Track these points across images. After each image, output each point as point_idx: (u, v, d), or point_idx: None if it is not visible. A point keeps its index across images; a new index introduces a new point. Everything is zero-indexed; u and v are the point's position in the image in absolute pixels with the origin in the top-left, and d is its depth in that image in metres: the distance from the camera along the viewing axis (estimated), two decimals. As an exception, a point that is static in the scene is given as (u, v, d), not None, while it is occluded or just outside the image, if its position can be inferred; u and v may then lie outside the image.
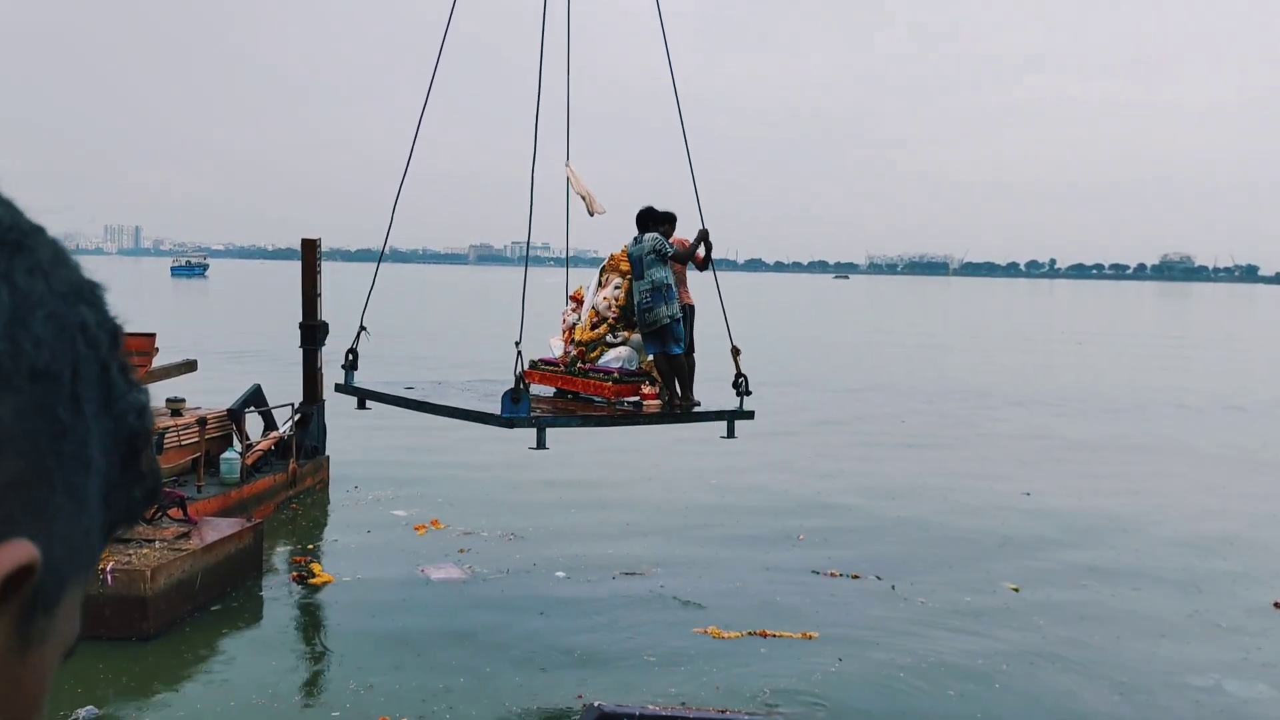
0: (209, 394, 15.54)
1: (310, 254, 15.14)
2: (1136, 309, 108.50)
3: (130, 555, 9.27)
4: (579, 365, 10.03)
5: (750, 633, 9.47)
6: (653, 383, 9.66)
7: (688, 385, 9.49)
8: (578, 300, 10.61)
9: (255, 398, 14.60)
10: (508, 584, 10.88)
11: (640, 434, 14.10)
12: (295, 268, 15.77)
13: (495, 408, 8.70)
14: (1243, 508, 15.18)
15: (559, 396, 10.23)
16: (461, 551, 11.87)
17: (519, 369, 8.72)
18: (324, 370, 14.98)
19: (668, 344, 9.31)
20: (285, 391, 15.17)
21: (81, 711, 7.53)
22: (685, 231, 9.75)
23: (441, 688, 8.20)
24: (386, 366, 20.66)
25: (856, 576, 11.32)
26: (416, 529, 12.78)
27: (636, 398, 9.65)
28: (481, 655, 8.88)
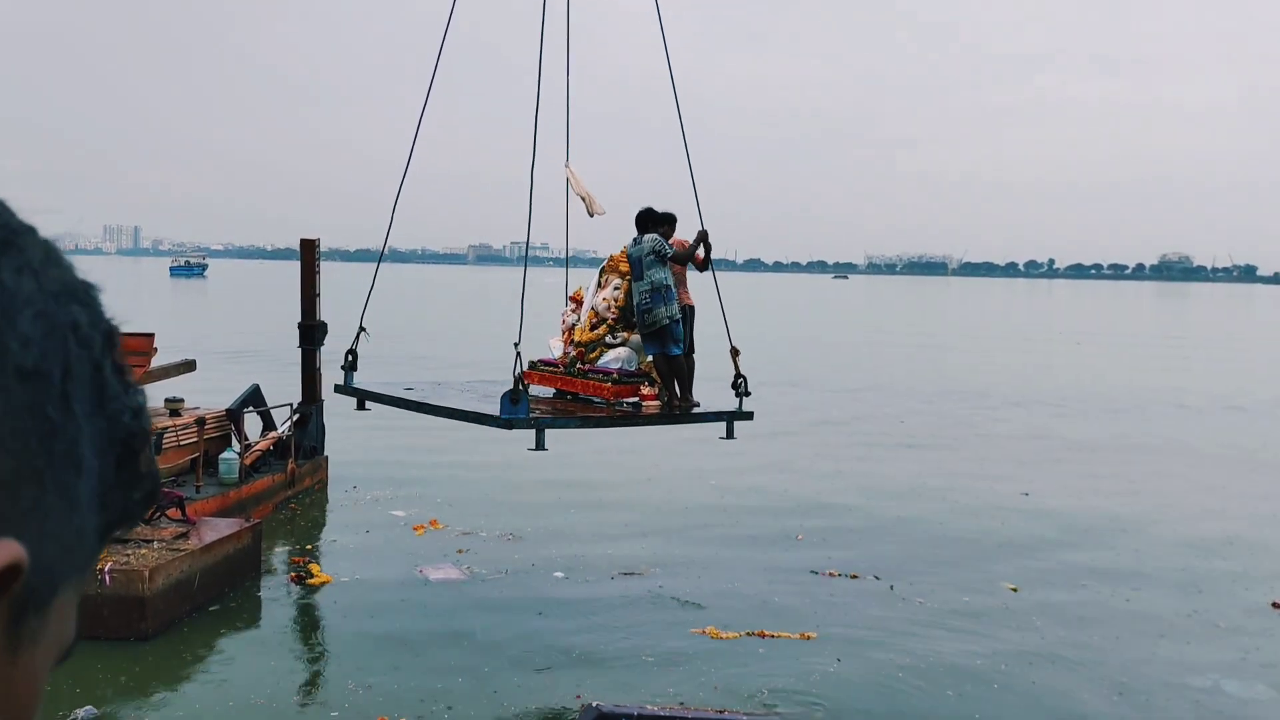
0: (207, 394, 15.53)
1: (309, 254, 15.14)
2: (1135, 309, 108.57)
3: (129, 555, 9.27)
4: (578, 366, 10.03)
5: (749, 633, 9.46)
6: (652, 384, 9.66)
7: (687, 386, 9.49)
8: (577, 301, 10.61)
9: (254, 398, 14.59)
10: (506, 584, 10.87)
11: (639, 435, 14.10)
12: (294, 268, 15.76)
13: (494, 409, 8.70)
14: (1242, 508, 15.18)
15: (558, 397, 10.22)
16: (460, 552, 11.86)
17: (518, 370, 8.72)
18: (322, 370, 14.98)
19: (667, 345, 9.31)
20: (284, 392, 15.16)
21: (80, 712, 7.52)
22: (685, 232, 9.75)
23: (440, 688, 8.19)
24: (386, 367, 20.65)
25: (855, 576, 11.32)
26: (415, 529, 12.78)
27: (636, 399, 9.65)
28: (480, 655, 8.88)
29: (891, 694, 8.33)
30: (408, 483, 15.08)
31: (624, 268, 9.86)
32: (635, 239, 9.52)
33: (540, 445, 8.57)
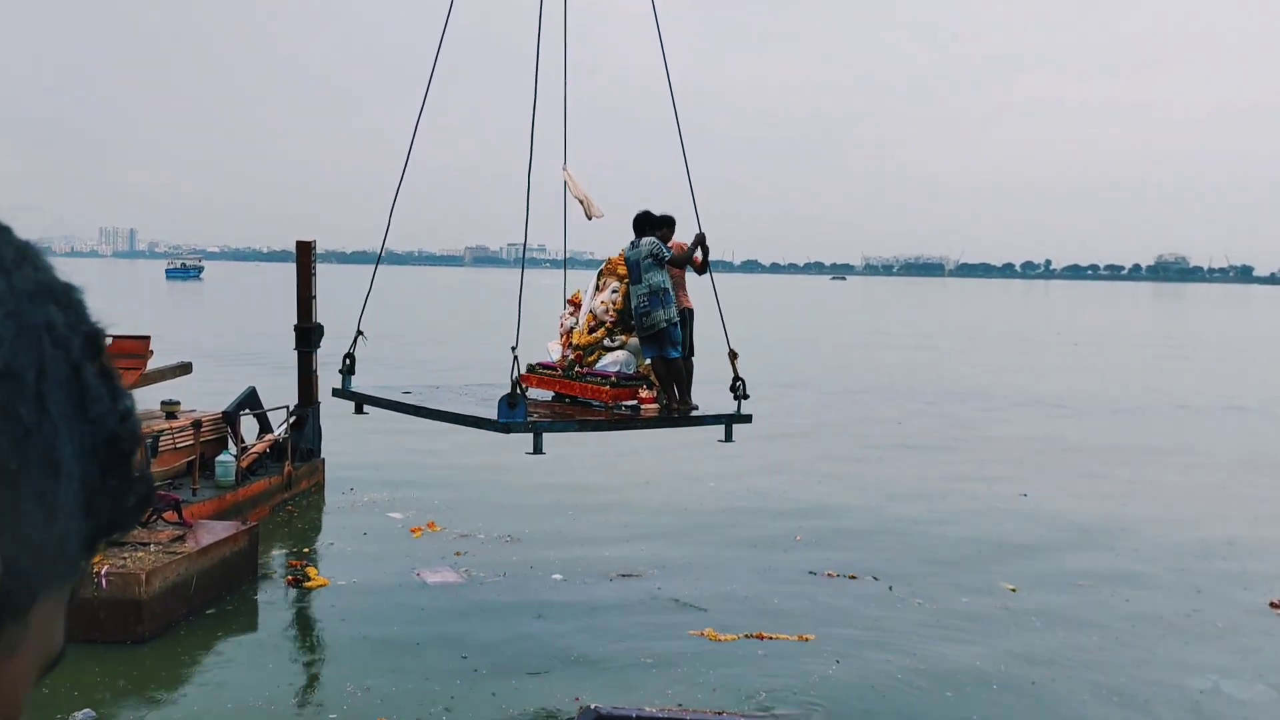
0: (204, 396, 15.50)
1: (305, 256, 15.11)
2: (1132, 310, 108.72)
3: (125, 558, 9.24)
4: (576, 369, 10.02)
5: (747, 635, 9.45)
6: (650, 387, 9.65)
7: (685, 389, 9.48)
8: (575, 304, 10.60)
9: (250, 400, 14.57)
10: (504, 586, 10.86)
11: (638, 438, 14.09)
12: (290, 270, 15.73)
13: (492, 412, 8.68)
14: (1240, 508, 15.20)
15: (557, 400, 10.21)
16: (458, 554, 11.84)
17: (515, 374, 8.70)
18: (319, 372, 14.95)
19: (665, 348, 9.30)
20: (280, 394, 15.13)
21: (79, 714, 7.50)
22: (683, 234, 9.75)
23: (438, 690, 8.18)
24: (384, 370, 20.63)
25: (853, 577, 11.32)
26: (412, 531, 12.75)
27: (634, 401, 9.64)
28: (478, 657, 8.86)
29: (890, 695, 8.32)
30: (405, 485, 15.06)
31: (622, 271, 9.85)
32: (633, 242, 9.51)
33: (538, 449, 8.56)
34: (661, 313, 9.20)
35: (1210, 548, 12.89)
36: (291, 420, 14.52)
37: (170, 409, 13.61)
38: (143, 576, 8.98)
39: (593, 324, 10.08)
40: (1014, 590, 11.02)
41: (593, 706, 7.29)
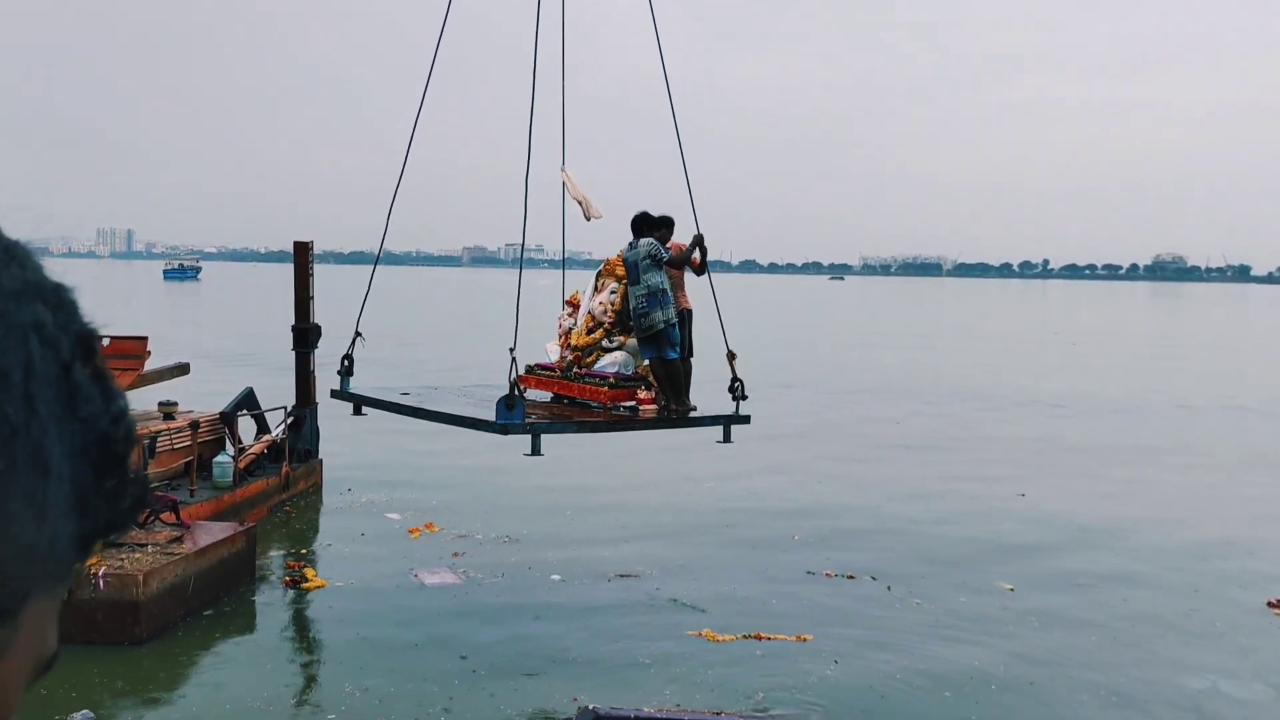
0: (201, 397, 15.48)
1: (302, 256, 15.10)
2: (1130, 309, 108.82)
3: (123, 559, 9.23)
4: (575, 370, 10.01)
5: (745, 635, 9.45)
6: (649, 387, 9.65)
7: (684, 390, 9.48)
8: (574, 305, 10.59)
9: (248, 401, 14.56)
10: (502, 587, 10.85)
11: (636, 439, 14.08)
12: (288, 270, 15.72)
13: (490, 414, 8.68)
14: (1238, 508, 15.21)
15: (555, 401, 10.21)
16: (456, 555, 11.84)
17: (513, 375, 8.70)
18: (317, 373, 14.95)
19: (663, 349, 9.30)
20: (278, 395, 15.12)
21: (77, 715, 7.49)
22: (682, 235, 9.75)
23: (436, 691, 8.17)
24: (382, 370, 20.62)
25: (851, 577, 11.32)
26: (410, 532, 12.74)
27: (632, 402, 9.64)
28: (476, 658, 8.86)
29: (888, 696, 8.32)
30: (403, 486, 15.05)
31: (620, 271, 9.85)
32: (631, 243, 9.51)
33: (536, 451, 8.55)
34: (659, 314, 9.20)
35: (1208, 547, 12.91)
36: (289, 421, 14.51)
37: (168, 410, 13.60)
38: (140, 578, 8.97)
39: (591, 325, 10.08)
40: (1012, 590, 11.03)
41: (591, 707, 7.29)
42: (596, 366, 9.93)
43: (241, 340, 38.65)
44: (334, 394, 10.35)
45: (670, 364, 9.36)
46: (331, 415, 13.51)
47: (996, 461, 18.47)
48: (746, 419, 9.55)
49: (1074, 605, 10.60)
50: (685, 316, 9.62)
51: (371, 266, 10.73)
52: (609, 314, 9.99)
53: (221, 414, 13.89)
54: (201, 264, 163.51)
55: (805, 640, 9.37)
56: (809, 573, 11.48)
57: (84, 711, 7.57)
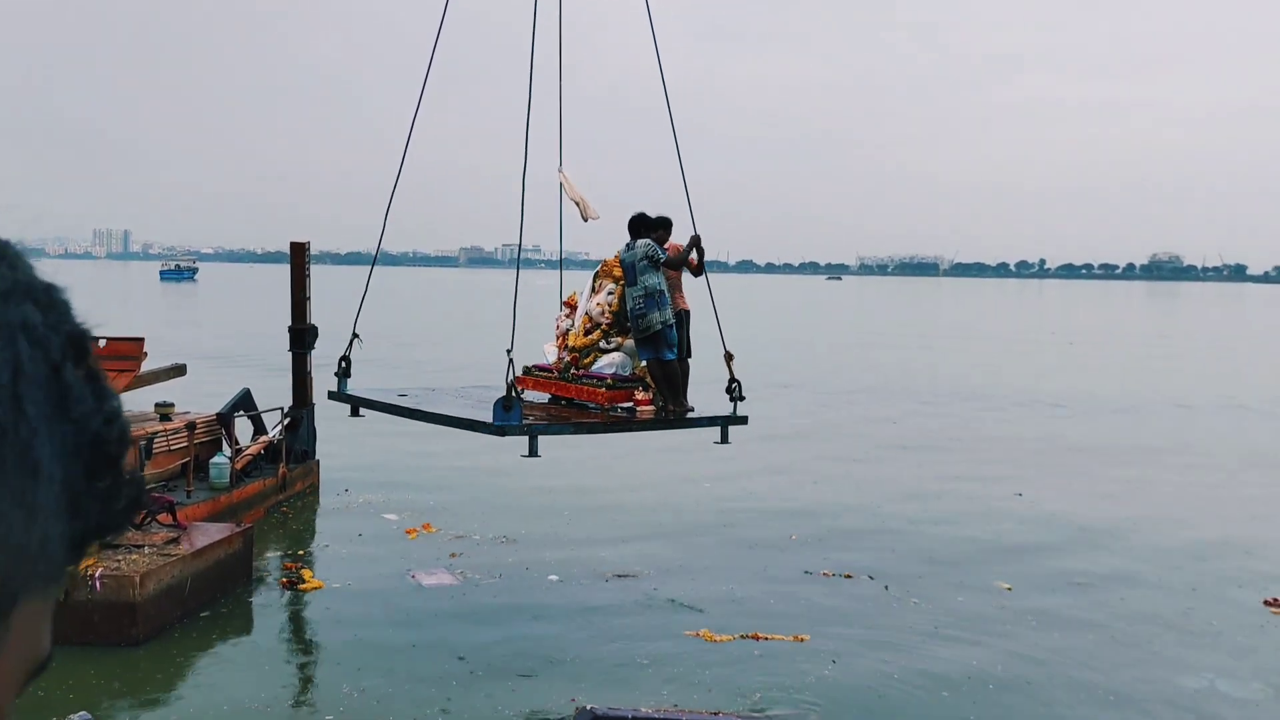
0: (198, 398, 15.47)
1: (299, 257, 15.10)
2: (1126, 309, 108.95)
3: (119, 561, 9.22)
4: (572, 371, 10.01)
5: (743, 635, 9.45)
6: (646, 388, 9.64)
7: (681, 391, 9.47)
8: (571, 306, 10.59)
9: (244, 402, 14.54)
10: (499, 588, 10.85)
11: (634, 439, 14.08)
12: (285, 271, 15.71)
13: (488, 415, 8.66)
14: (1235, 507, 15.23)
15: (553, 403, 10.20)
16: (453, 556, 11.83)
17: (510, 377, 8.69)
18: (313, 374, 14.94)
19: (661, 349, 9.30)
20: (275, 395, 15.11)
21: (75, 717, 7.48)
22: (680, 236, 9.75)
23: (434, 692, 8.17)
24: (380, 371, 20.60)
25: (849, 576, 11.33)
26: (408, 533, 12.74)
27: (630, 403, 9.63)
28: (473, 659, 8.85)
29: (886, 696, 8.33)
30: (400, 486, 15.05)
31: (618, 273, 9.85)
32: (628, 244, 9.51)
33: (533, 452, 8.55)
34: (657, 315, 9.20)
35: (1205, 547, 12.92)
36: (286, 422, 14.50)
37: (164, 411, 13.59)
38: (137, 579, 8.96)
39: (588, 326, 10.07)
40: (1009, 589, 11.03)
41: (589, 707, 7.29)
42: (594, 367, 9.93)
43: (238, 341, 38.61)
44: (331, 395, 10.34)
45: (668, 365, 9.36)
46: (328, 416, 13.50)
47: (994, 461, 18.48)
48: (744, 420, 9.55)
49: (1072, 605, 10.61)
50: (683, 317, 9.61)
51: (368, 267, 10.73)
52: (606, 315, 9.98)
53: (218, 415, 13.88)
54: (198, 265, 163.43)
55: (803, 640, 9.37)
56: (806, 573, 11.49)
57: (81, 713, 7.55)
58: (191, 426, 12.88)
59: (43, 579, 0.51)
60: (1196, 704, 8.31)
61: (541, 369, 10.44)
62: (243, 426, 14.52)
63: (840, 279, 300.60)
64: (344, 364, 9.99)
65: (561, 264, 11.57)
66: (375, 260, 10.82)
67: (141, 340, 14.07)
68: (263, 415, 14.82)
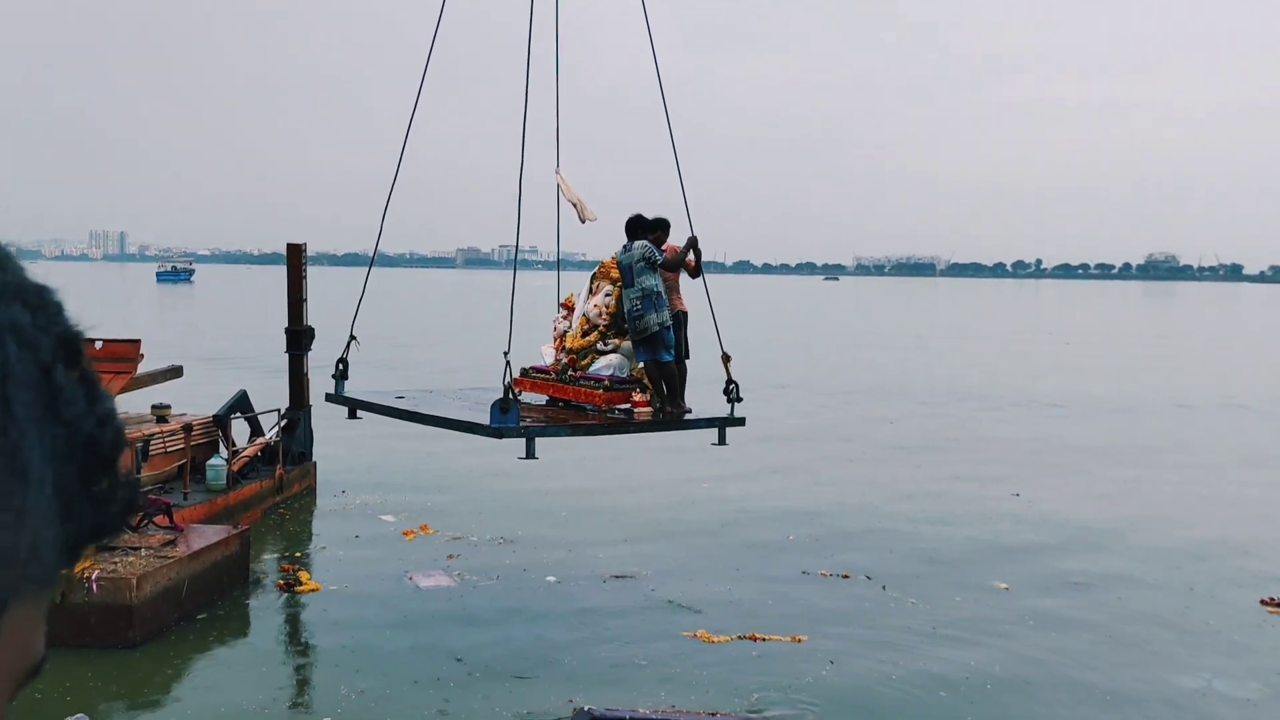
0: (194, 400, 15.45)
1: (295, 259, 15.09)
2: (1123, 309, 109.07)
3: (116, 563, 9.20)
4: (570, 373, 10.00)
5: (740, 636, 9.45)
6: (644, 390, 9.64)
7: (679, 392, 9.48)
8: (569, 308, 10.59)
9: (241, 403, 14.53)
10: (497, 589, 10.84)
11: (631, 441, 14.09)
12: (282, 272, 15.69)
13: (485, 417, 8.66)
14: (1232, 507, 15.25)
15: (550, 404, 10.20)
16: (450, 557, 11.82)
17: (507, 379, 8.69)
18: (310, 375, 14.92)
19: (658, 351, 9.30)
20: (271, 397, 15.10)
21: (71, 719, 7.47)
22: (678, 237, 9.76)
23: (431, 693, 8.16)
24: (377, 372, 20.59)
25: (846, 576, 11.33)
26: (405, 534, 12.73)
27: (627, 405, 9.63)
28: (471, 660, 8.85)
29: (884, 696, 8.33)
30: (397, 488, 15.04)
31: (615, 274, 9.85)
32: (625, 246, 9.51)
33: (530, 454, 8.54)
34: (654, 316, 9.20)
35: (1202, 546, 12.93)
36: (283, 423, 14.48)
37: (161, 413, 13.57)
38: (133, 581, 8.94)
39: (586, 327, 10.07)
40: (1007, 588, 11.04)
41: (586, 708, 7.29)
42: (591, 369, 9.93)
43: (235, 343, 38.58)
44: (329, 398, 10.34)
45: (665, 366, 9.37)
46: (325, 417, 13.49)
47: (991, 461, 18.49)
48: (741, 421, 9.55)
49: (1069, 605, 10.62)
50: (680, 319, 9.62)
51: (366, 269, 10.72)
52: (604, 316, 9.98)
53: (215, 417, 13.86)
54: (195, 266, 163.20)
55: (800, 641, 9.37)
56: (804, 573, 11.49)
57: (78, 715, 7.53)
58: (188, 428, 12.86)
59: (34, 583, 0.50)
60: (1194, 704, 8.32)
61: (539, 371, 10.44)
62: (239, 428, 14.50)
63: (837, 279, 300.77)
64: (341, 366, 9.99)
65: (559, 265, 11.57)
66: (373, 262, 10.82)
67: (138, 342, 14.04)
68: (259, 417, 14.80)
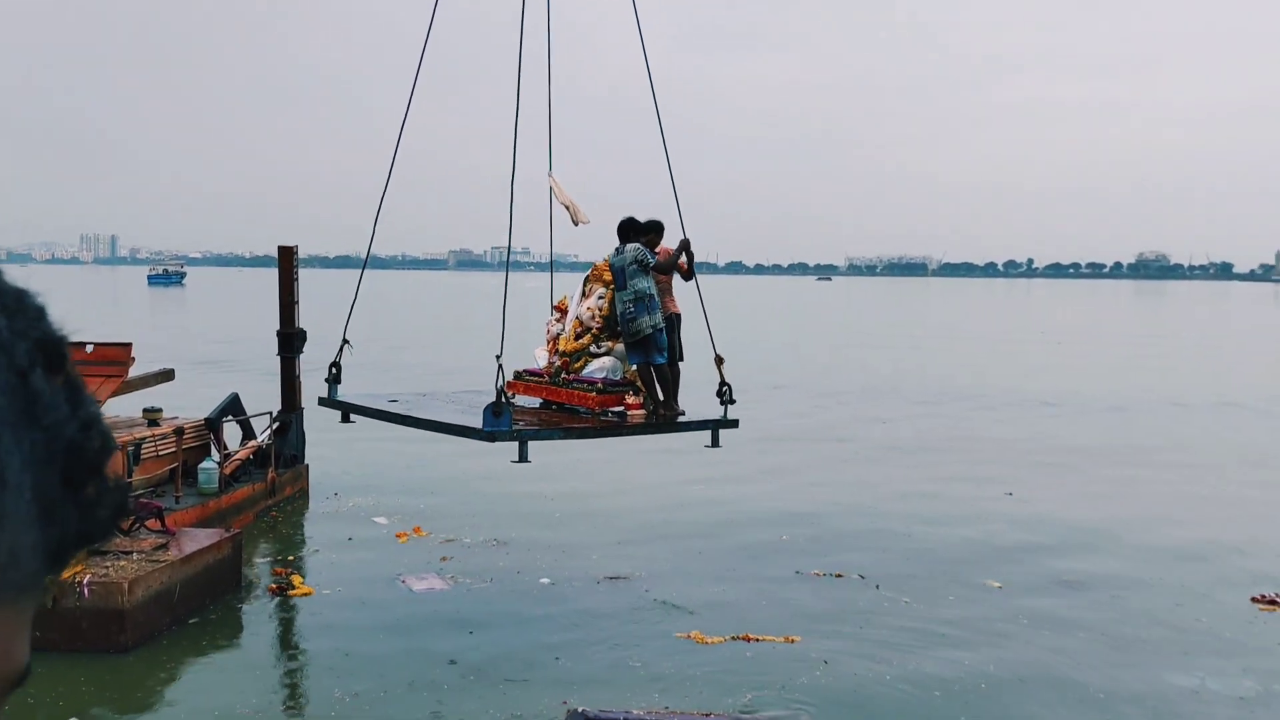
0: (186, 403, 15.41)
1: (287, 261, 15.06)
2: (1114, 308, 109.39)
3: (107, 567, 9.17)
4: (563, 376, 9.99)
5: (734, 637, 9.46)
6: (637, 393, 9.64)
7: (672, 395, 9.48)
8: (562, 310, 10.58)
9: (233, 406, 14.49)
10: (491, 591, 10.83)
11: (625, 444, 14.07)
12: (273, 275, 15.66)
13: (478, 421, 8.65)
14: (1224, 505, 15.30)
15: (544, 407, 10.19)
16: (444, 560, 11.80)
17: (500, 382, 8.68)
18: (302, 378, 14.89)
19: (651, 354, 9.30)
20: (263, 400, 15.07)
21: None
22: (670, 240, 9.75)
23: (425, 696, 8.15)
24: (370, 375, 20.57)
25: (840, 576, 11.35)
26: (398, 537, 12.70)
27: (621, 408, 9.62)
28: (464, 662, 8.83)
29: (877, 696, 8.34)
30: (390, 490, 15.01)
31: (608, 277, 9.84)
32: (618, 248, 9.51)
33: (523, 457, 8.54)
34: (647, 319, 9.20)
35: (1194, 544, 12.97)
36: (275, 426, 14.45)
37: (152, 416, 13.53)
38: (125, 585, 8.91)
39: (579, 330, 10.06)
40: (999, 587, 11.07)
41: (580, 710, 7.29)
42: (585, 372, 9.91)
43: (226, 346, 38.48)
44: (322, 401, 10.32)
45: (658, 369, 9.37)
46: (317, 420, 13.46)
47: (984, 461, 18.53)
48: (735, 423, 9.55)
49: (1063, 604, 10.64)
50: (674, 321, 9.61)
51: (358, 271, 10.70)
52: (597, 319, 9.97)
53: (207, 420, 13.83)
54: (186, 269, 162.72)
55: (794, 641, 9.38)
56: (797, 573, 11.50)
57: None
58: (180, 432, 12.83)
59: (14, 589, 0.50)
60: (1187, 701, 8.35)
61: (532, 373, 10.42)
62: (231, 431, 14.47)
63: (830, 280, 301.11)
64: (334, 370, 9.98)
65: (552, 267, 11.57)
66: (365, 265, 10.80)
67: (129, 345, 13.99)
68: (251, 420, 14.77)
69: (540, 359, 10.53)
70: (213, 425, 13.71)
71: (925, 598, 10.72)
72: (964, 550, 12.60)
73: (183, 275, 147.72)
